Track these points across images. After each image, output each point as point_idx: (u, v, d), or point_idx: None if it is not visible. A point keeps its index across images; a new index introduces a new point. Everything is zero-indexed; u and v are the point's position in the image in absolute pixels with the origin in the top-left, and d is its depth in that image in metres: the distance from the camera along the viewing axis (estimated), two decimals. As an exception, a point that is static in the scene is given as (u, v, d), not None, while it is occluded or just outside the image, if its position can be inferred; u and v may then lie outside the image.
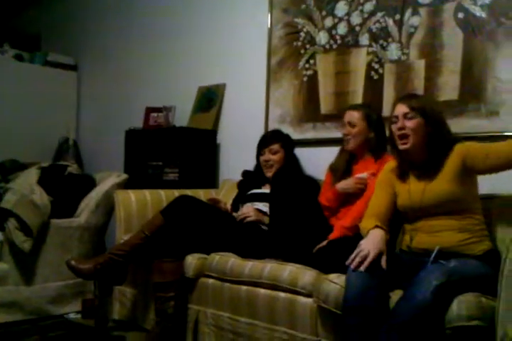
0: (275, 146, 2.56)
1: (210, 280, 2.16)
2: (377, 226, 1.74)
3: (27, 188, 2.86)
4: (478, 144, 1.76)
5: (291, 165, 2.56)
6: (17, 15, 4.71)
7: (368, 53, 2.62)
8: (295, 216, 2.14)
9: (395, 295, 1.57)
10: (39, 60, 4.11)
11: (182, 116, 3.30)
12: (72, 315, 2.82)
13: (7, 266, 2.68)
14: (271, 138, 2.61)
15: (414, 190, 1.79)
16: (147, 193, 2.77)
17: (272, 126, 2.96)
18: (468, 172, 1.74)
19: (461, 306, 1.45)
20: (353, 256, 1.63)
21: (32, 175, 3.02)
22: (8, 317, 2.65)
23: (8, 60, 3.95)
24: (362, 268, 1.58)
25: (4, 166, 3.48)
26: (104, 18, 4.07)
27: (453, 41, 2.32)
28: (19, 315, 2.69)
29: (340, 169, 2.26)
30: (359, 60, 2.65)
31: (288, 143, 2.62)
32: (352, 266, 1.61)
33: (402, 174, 1.86)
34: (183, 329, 2.21)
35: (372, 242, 1.66)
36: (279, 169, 2.47)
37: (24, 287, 2.73)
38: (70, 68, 4.22)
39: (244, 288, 2.01)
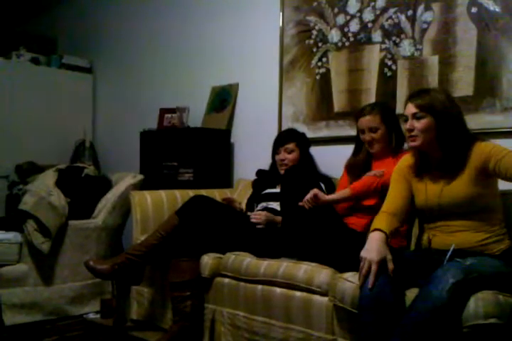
0: (290, 145, 2.56)
1: (226, 280, 2.17)
2: (376, 230, 1.68)
3: (45, 190, 2.90)
4: (500, 150, 1.64)
5: (304, 163, 2.55)
6: (32, 19, 4.77)
7: (381, 50, 2.60)
8: (306, 213, 2.13)
9: (411, 293, 1.56)
10: (54, 62, 4.15)
11: (196, 117, 3.32)
12: (91, 315, 2.85)
13: (26, 267, 2.73)
14: (286, 137, 2.61)
15: (431, 191, 1.75)
16: (163, 194, 2.78)
17: (285, 125, 2.96)
18: (489, 174, 1.67)
19: (479, 304, 1.43)
20: (359, 274, 1.61)
21: (49, 177, 3.06)
22: (28, 317, 2.69)
23: (24, 63, 4.00)
24: (369, 286, 1.54)
25: (22, 168, 3.54)
26: (118, 21, 4.10)
27: (466, 36, 2.30)
28: (39, 316, 2.73)
29: (360, 169, 2.23)
30: (372, 57, 2.64)
31: (303, 142, 2.61)
32: (360, 286, 1.59)
33: (418, 171, 1.81)
34: (200, 328, 2.23)
35: (371, 250, 1.61)
36: (290, 167, 2.47)
37: (43, 288, 2.77)
38: (86, 70, 4.26)
39: (259, 287, 2.02)
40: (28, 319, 2.69)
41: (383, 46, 2.60)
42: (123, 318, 2.59)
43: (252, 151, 3.10)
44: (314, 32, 2.87)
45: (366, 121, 2.19)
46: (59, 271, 2.83)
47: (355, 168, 2.27)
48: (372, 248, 1.61)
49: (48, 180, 3.03)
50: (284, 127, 2.94)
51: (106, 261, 2.38)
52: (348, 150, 2.36)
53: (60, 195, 2.92)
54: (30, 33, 4.45)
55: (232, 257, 2.18)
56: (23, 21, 4.80)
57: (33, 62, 4.06)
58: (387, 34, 2.58)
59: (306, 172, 2.36)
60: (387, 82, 2.58)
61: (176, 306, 2.22)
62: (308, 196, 2.02)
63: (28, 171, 3.48)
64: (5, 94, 3.80)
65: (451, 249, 1.63)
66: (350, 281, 1.68)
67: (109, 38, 4.18)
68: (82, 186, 3.13)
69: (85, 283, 2.88)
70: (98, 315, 2.81)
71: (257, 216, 2.34)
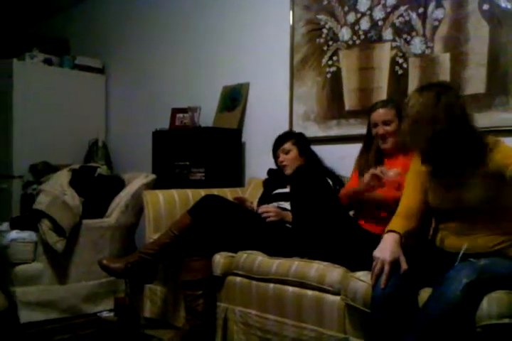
0: (287, 145, 2.58)
1: (238, 279, 2.18)
2: (390, 231, 1.68)
3: (59, 190, 2.94)
4: None
5: (310, 162, 2.55)
6: (45, 21, 4.82)
7: (392, 48, 2.59)
8: (316, 213, 2.13)
9: (424, 293, 1.55)
10: (67, 63, 4.20)
11: (207, 116, 3.33)
12: (104, 313, 2.88)
13: (41, 266, 2.76)
14: (281, 138, 2.64)
15: (442, 191, 1.72)
16: (175, 193, 2.80)
17: (296, 124, 2.96)
18: (504, 179, 1.58)
19: (492, 304, 1.42)
20: (371, 273, 1.60)
21: (63, 176, 3.10)
22: (43, 315, 2.72)
23: (37, 64, 4.04)
24: (382, 285, 1.54)
25: (36, 168, 3.59)
26: (130, 21, 4.13)
27: (478, 33, 2.28)
28: (54, 314, 2.76)
29: (371, 166, 2.17)
30: (383, 55, 2.63)
31: (300, 140, 2.62)
32: (372, 285, 1.58)
33: (430, 169, 1.76)
34: (213, 326, 2.24)
35: (385, 250, 1.60)
36: (297, 167, 2.47)
37: (58, 286, 2.80)
38: (98, 71, 4.31)
39: (271, 285, 2.02)
40: (43, 317, 2.72)
41: (394, 44, 2.58)
42: (136, 316, 2.61)
43: (263, 150, 3.07)
44: (325, 30, 2.87)
45: (380, 114, 2.18)
46: (73, 269, 2.86)
47: (365, 167, 2.22)
48: (386, 248, 1.61)
49: (61, 179, 3.06)
50: (295, 126, 2.95)
51: (119, 259, 2.40)
52: (359, 148, 2.35)
53: (73, 194, 2.95)
54: (43, 34, 4.50)
55: (244, 256, 2.19)
56: (36, 23, 4.85)
57: (46, 63, 4.10)
58: (398, 32, 2.57)
59: (313, 171, 2.36)
60: (398, 80, 2.57)
61: (188, 305, 2.24)
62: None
63: (43, 171, 3.53)
64: (18, 95, 3.85)
65: (463, 248, 1.62)
66: (362, 280, 1.67)
67: (121, 39, 4.21)
68: (96, 185, 3.16)
69: (99, 281, 2.91)
70: (112, 313, 2.84)
71: (267, 210, 2.35)
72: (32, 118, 3.89)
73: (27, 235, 2.78)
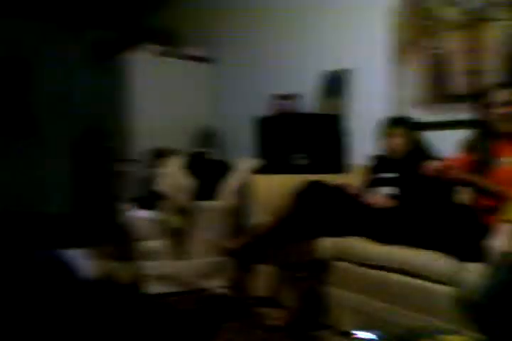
0: (397, 130, 2.56)
1: (344, 263, 2.24)
2: (505, 220, 1.65)
3: (175, 173, 3.23)
4: None
5: (418, 147, 2.54)
6: (155, 13, 5.08)
7: (503, 27, 2.47)
8: (427, 200, 2.13)
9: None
10: (177, 54, 4.41)
11: (309, 102, 3.39)
12: (218, 289, 3.06)
13: (163, 243, 3.04)
14: (392, 122, 2.62)
15: None
16: (280, 178, 2.90)
17: (400, 109, 2.92)
18: None
19: None
20: (484, 264, 1.60)
21: (178, 161, 3.40)
22: (163, 288, 2.99)
23: (149, 56, 4.29)
24: (495, 278, 1.53)
25: (153, 153, 3.93)
26: (236, 12, 4.24)
27: None
28: (173, 287, 3.02)
29: (487, 150, 2.13)
30: (493, 35, 2.51)
31: (410, 125, 2.60)
32: (485, 277, 1.57)
33: None
34: (318, 308, 2.33)
35: (499, 240, 1.59)
36: (409, 152, 2.46)
37: (178, 262, 3.06)
38: (206, 61, 4.49)
39: (377, 272, 2.05)
40: (163, 289, 2.97)
41: (505, 23, 2.45)
42: (247, 294, 2.78)
43: (367, 136, 3.08)
44: (429, 11, 2.78)
45: (503, 94, 2.09)
46: (190, 247, 3.09)
47: (481, 150, 2.15)
48: (500, 238, 1.59)
49: (177, 163, 3.36)
50: (399, 111, 2.91)
51: (233, 240, 2.59)
52: (466, 134, 2.30)
53: (188, 177, 3.22)
54: (153, 26, 4.77)
55: (350, 241, 2.24)
56: (146, 16, 5.12)
57: (157, 55, 4.32)
58: (510, 10, 2.43)
59: (425, 157, 2.36)
60: (510, 62, 2.44)
61: (294, 286, 2.36)
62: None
63: (158, 156, 3.85)
64: (135, 87, 4.17)
65: None
66: (473, 272, 1.67)
67: (228, 29, 4.31)
68: (207, 169, 3.40)
69: (215, 259, 3.08)
70: (225, 290, 3.05)
71: (374, 200, 2.38)
72: (147, 107, 4.19)
73: (149, 214, 3.08)
